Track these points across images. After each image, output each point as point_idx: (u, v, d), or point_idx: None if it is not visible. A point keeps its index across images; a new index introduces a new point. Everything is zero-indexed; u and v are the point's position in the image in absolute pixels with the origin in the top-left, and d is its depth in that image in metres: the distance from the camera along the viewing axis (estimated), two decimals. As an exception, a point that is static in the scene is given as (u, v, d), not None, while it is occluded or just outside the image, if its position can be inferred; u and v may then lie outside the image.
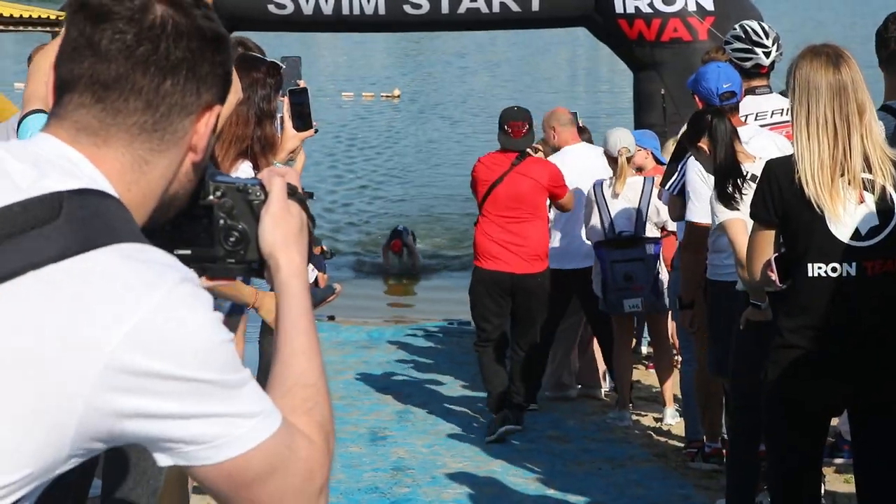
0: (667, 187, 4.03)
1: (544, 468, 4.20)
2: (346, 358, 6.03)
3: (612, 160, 4.62)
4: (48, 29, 10.47)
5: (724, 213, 3.22)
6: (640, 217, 4.56)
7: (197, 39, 0.85)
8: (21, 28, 10.98)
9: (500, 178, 4.97)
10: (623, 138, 4.60)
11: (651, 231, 4.61)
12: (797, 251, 2.65)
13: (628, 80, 7.25)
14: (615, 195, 4.51)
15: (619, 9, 6.16)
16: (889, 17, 3.03)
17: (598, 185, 4.70)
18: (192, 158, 0.91)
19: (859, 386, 2.70)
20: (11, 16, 10.37)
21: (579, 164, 4.77)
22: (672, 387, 4.53)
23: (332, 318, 6.90)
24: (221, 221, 0.89)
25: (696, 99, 3.80)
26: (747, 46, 3.86)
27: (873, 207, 2.60)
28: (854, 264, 2.65)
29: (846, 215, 2.61)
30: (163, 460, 0.81)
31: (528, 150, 4.80)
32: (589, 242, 4.70)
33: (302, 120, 2.73)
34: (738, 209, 3.12)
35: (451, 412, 5.08)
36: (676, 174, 3.96)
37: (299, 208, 0.93)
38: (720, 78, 3.74)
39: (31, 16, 10.42)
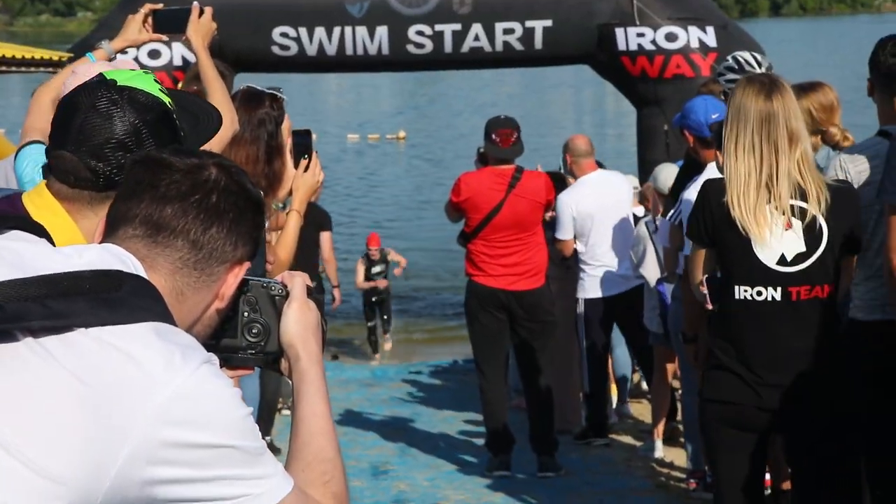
0: (667, 218, 4.20)
1: (546, 500, 4.26)
2: (350, 395, 6.17)
3: (661, 196, 4.82)
4: (52, 70, 10.91)
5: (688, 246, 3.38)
6: None
7: (243, 199, 1.00)
8: (25, 69, 11.48)
9: (498, 204, 4.90)
10: (672, 175, 4.77)
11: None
12: (726, 273, 2.77)
13: (633, 116, 7.51)
14: None
15: (621, 46, 6.47)
16: (881, 41, 3.14)
17: (648, 223, 4.88)
18: (217, 305, 1.02)
19: (783, 413, 2.79)
20: (14, 57, 10.90)
21: (601, 192, 4.90)
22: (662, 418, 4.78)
23: (335, 357, 7.08)
24: (245, 315, 0.99)
25: (686, 134, 3.98)
26: (739, 77, 4.04)
27: (801, 234, 2.70)
28: (779, 289, 2.76)
29: (772, 239, 2.71)
30: None
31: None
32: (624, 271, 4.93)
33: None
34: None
35: (453, 446, 5.15)
36: (676, 205, 4.14)
37: (315, 306, 1.06)
38: (707, 109, 3.93)
39: (35, 57, 10.91)
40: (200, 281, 1.02)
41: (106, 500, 0.83)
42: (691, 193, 3.78)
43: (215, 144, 2.50)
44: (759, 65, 4.23)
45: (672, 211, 4.26)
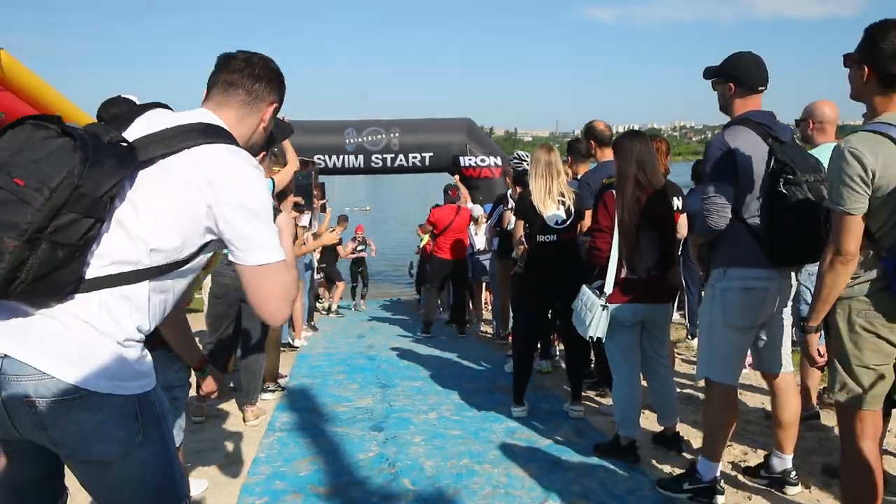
0: (489, 222, 9.26)
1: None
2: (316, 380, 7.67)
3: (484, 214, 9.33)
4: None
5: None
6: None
7: (272, 71, 2.07)
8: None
9: (450, 222, 8.98)
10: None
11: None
12: (532, 231, 5.19)
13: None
14: None
15: (462, 164, 13.17)
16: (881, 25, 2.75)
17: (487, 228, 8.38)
18: (262, 125, 2.06)
19: (555, 293, 5.24)
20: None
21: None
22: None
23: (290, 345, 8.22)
24: None
25: (508, 180, 7.60)
26: (519, 161, 6.91)
27: (563, 211, 5.14)
28: (555, 235, 5.16)
29: (551, 214, 5.14)
30: (230, 256, 1.91)
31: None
32: None
33: (305, 197, 3.63)
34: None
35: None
36: (493, 213, 8.81)
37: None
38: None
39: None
40: (252, 112, 2.04)
41: (201, 224, 1.91)
42: (499, 208, 7.63)
43: (283, 179, 5.15)
44: (527, 159, 6.48)
45: (492, 217, 7.92)
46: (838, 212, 2.84)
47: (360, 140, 13.68)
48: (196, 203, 1.86)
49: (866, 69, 2.83)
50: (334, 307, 12.46)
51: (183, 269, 1.93)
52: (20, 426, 1.78)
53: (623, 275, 4.39)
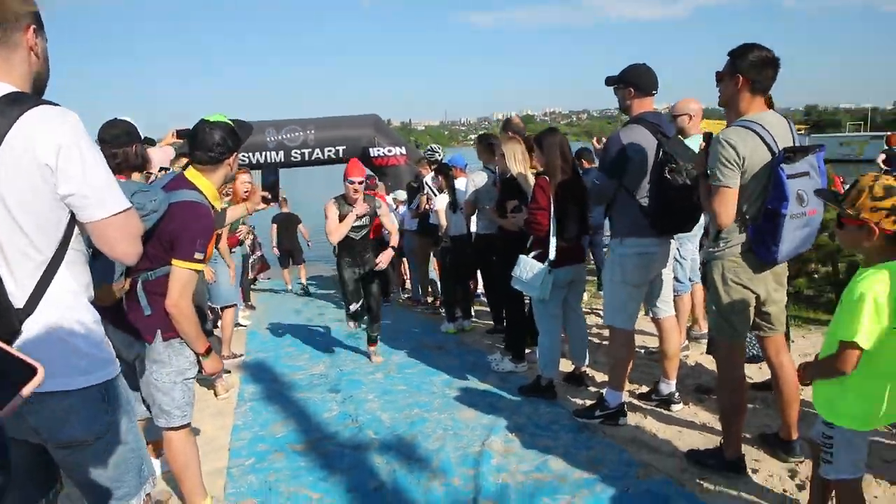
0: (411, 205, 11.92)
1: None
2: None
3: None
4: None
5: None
6: None
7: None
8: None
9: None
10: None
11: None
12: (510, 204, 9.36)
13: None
14: None
15: (372, 154, 13.47)
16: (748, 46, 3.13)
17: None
18: (32, 52, 1.78)
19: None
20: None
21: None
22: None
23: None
24: None
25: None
26: (432, 151, 8.60)
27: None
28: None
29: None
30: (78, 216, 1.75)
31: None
32: None
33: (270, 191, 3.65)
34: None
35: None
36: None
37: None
38: (456, 159, 7.50)
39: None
40: (11, 46, 1.76)
41: (54, 197, 1.71)
42: (417, 197, 11.06)
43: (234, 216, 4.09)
44: (439, 151, 8.70)
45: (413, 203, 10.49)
46: (717, 186, 3.20)
47: (279, 138, 13.52)
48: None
49: (740, 78, 3.20)
50: (303, 282, 11.73)
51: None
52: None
53: (558, 243, 4.73)
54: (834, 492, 2.72)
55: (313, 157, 13.82)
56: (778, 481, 3.54)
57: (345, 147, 13.82)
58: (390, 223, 5.96)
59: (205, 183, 2.91)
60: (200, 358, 3.03)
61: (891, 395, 2.47)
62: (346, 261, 5.91)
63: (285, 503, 3.58)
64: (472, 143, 7.55)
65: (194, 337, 2.91)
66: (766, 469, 3.66)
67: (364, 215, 5.75)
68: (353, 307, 5.95)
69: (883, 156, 12.49)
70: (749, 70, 3.15)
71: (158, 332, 2.88)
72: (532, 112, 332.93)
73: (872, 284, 2.38)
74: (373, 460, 4.07)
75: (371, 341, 6.32)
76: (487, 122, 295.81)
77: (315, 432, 4.60)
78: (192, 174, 2.93)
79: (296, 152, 13.72)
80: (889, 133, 13.22)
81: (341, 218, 5.67)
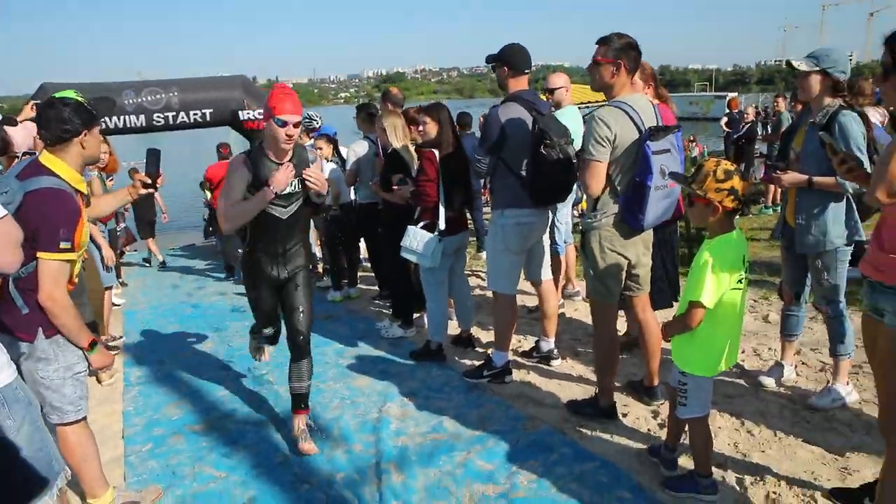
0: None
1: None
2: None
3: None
4: None
5: None
6: None
7: None
8: None
9: (223, 177, 6.08)
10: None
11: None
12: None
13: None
14: None
15: (241, 118, 13.35)
16: None
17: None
18: None
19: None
20: None
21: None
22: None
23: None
24: None
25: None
26: (310, 120, 10.58)
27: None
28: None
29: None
30: None
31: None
32: None
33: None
34: None
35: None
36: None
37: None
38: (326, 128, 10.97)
39: None
40: None
41: None
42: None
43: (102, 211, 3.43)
44: (317, 118, 7.62)
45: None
46: (588, 160, 3.52)
47: (139, 100, 12.72)
48: None
49: (623, 64, 3.51)
50: (159, 258, 11.24)
51: None
52: None
53: (447, 213, 4.94)
54: (686, 427, 3.17)
55: (178, 121, 13.12)
56: (644, 422, 4.02)
57: (212, 110, 13.21)
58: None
59: (61, 166, 2.75)
60: (85, 353, 2.93)
61: (731, 345, 2.95)
62: (262, 256, 3.70)
63: (191, 485, 3.62)
64: (342, 101, 7.51)
65: (76, 331, 2.81)
66: (633, 413, 4.14)
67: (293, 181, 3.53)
68: (267, 331, 4.13)
69: (725, 118, 13.70)
70: (621, 54, 3.45)
71: (40, 329, 2.77)
72: (403, 69, 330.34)
73: (714, 253, 2.81)
74: (275, 435, 4.18)
75: (298, 404, 3.94)
76: (358, 80, 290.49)
77: (213, 411, 4.61)
78: (46, 158, 2.76)
79: (158, 116, 12.96)
80: (731, 96, 14.43)
81: (255, 188, 3.43)
